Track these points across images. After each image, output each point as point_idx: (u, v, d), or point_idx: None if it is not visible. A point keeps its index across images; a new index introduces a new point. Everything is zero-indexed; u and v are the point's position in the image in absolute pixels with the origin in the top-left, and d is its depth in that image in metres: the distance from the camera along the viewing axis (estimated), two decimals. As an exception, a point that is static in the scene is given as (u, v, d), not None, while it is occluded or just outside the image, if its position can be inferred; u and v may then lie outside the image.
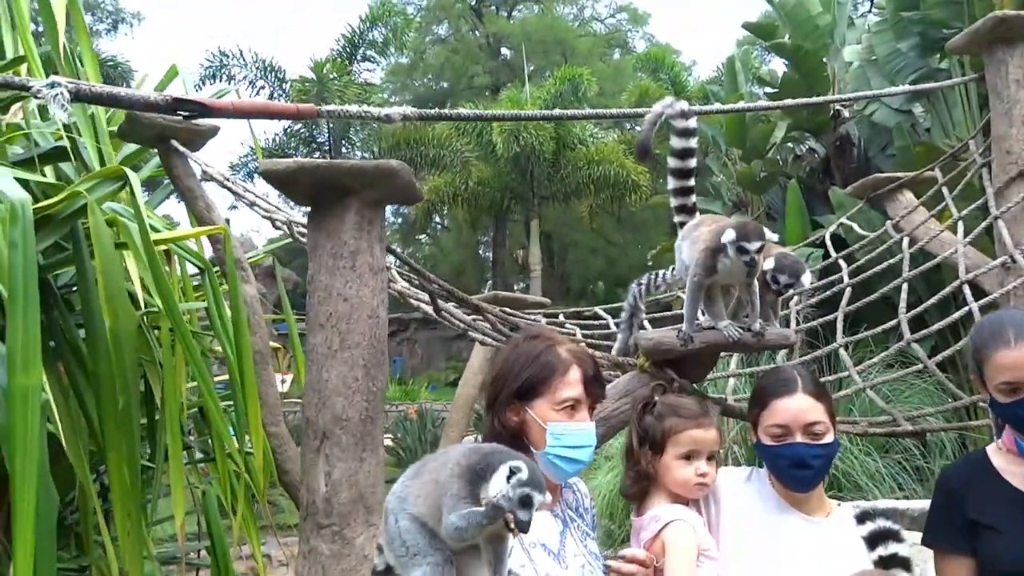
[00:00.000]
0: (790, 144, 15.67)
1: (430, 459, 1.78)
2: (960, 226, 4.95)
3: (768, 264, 2.89)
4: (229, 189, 4.30)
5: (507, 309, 5.83)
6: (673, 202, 3.48)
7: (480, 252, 40.53)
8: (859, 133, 13.91)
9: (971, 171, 5.48)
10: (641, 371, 3.26)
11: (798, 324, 5.35)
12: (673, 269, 3.53)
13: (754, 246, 2.77)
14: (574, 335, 5.96)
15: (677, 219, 3.49)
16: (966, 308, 4.16)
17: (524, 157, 20.52)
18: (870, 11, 21.95)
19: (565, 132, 20.13)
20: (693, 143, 3.36)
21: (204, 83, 16.49)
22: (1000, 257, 4.43)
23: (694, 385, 3.21)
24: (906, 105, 10.88)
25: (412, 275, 4.80)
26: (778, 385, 2.27)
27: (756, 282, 3.05)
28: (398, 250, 3.67)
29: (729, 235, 2.81)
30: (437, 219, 33.18)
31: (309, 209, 2.95)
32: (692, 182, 3.50)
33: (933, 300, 4.42)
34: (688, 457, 2.19)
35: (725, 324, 3.05)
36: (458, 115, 3.00)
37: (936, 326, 4.24)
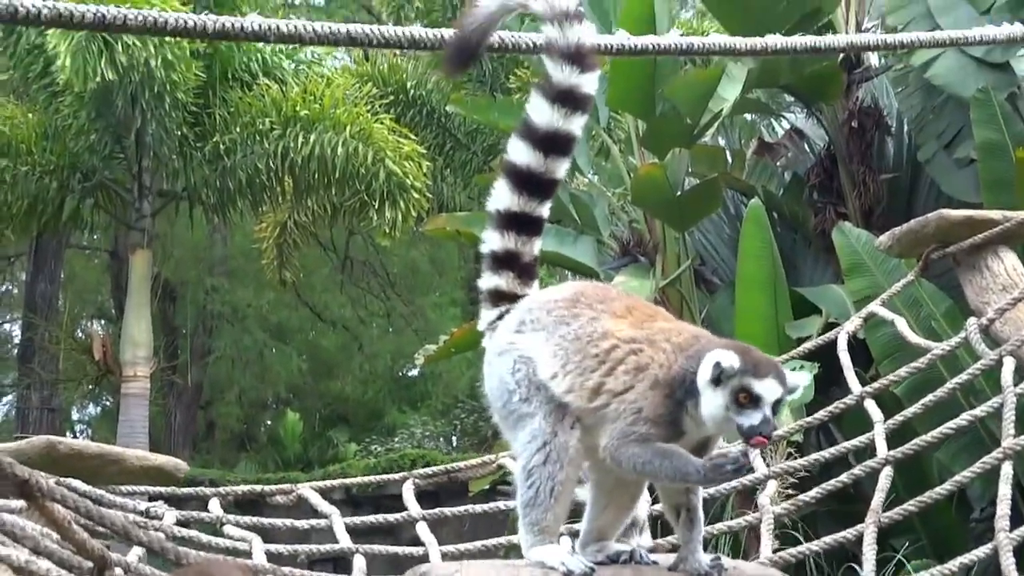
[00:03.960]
0: (750, 119, 16.74)
1: None
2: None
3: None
4: None
5: (73, 484, 5.73)
6: (493, 241, 3.84)
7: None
8: (899, 106, 15.04)
9: None
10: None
11: (775, 547, 5.64)
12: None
13: (773, 393, 3.19)
14: (247, 554, 6.02)
15: (490, 282, 3.87)
16: None
17: (125, 99, 20.25)
18: None
19: (228, 47, 20.29)
20: (577, 126, 3.65)
21: None
22: None
23: None
24: (1001, 54, 11.95)
25: None
26: None
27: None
28: None
29: (730, 358, 3.25)
30: None
31: None
32: (545, 208, 3.82)
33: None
34: None
35: (628, 550, 3.52)
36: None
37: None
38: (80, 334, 34.04)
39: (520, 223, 3.67)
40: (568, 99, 3.53)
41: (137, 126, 21.04)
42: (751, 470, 3.33)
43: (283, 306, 32.32)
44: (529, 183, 3.62)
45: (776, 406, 3.16)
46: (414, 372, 32.93)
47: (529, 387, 3.46)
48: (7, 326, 39.08)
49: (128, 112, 20.64)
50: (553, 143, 3.57)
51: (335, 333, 33.35)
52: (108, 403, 34.42)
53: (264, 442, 33.41)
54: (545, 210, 3.74)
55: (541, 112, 3.55)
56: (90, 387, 32.77)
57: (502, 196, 3.67)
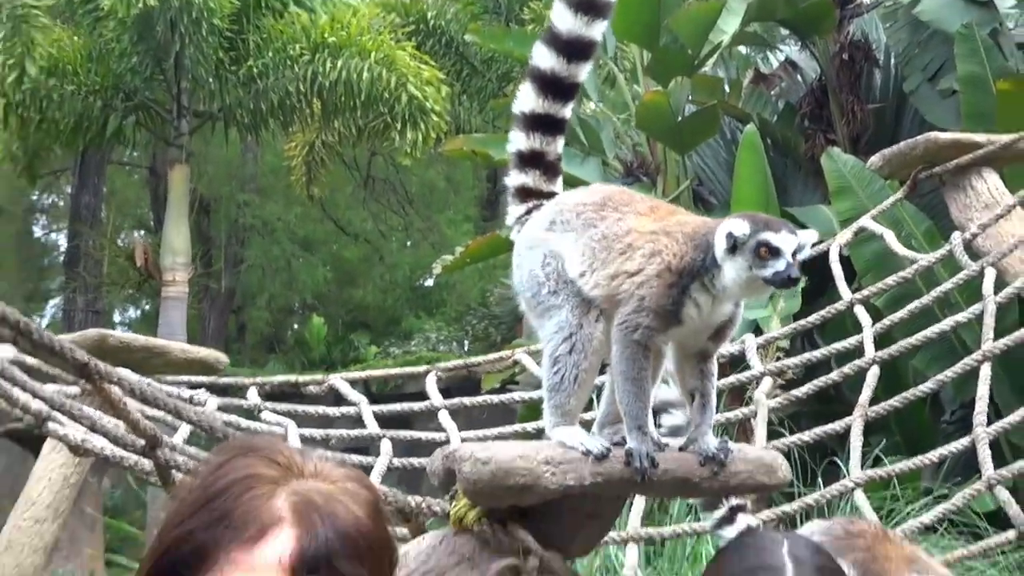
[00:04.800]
0: (747, 51, 16.66)
1: None
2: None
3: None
4: None
5: (122, 373, 5.77)
6: (519, 141, 3.82)
7: (36, 233, 39.03)
8: (887, 40, 15.03)
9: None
10: (458, 530, 3.51)
11: (769, 435, 5.69)
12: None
13: (790, 243, 3.18)
14: (282, 437, 6.07)
15: (516, 180, 3.86)
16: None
17: (165, 24, 20.18)
18: None
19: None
20: (597, 32, 3.63)
21: None
22: None
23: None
24: (984, -9, 11.95)
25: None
26: None
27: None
28: None
29: (739, 226, 3.25)
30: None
31: None
32: (568, 110, 3.83)
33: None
34: None
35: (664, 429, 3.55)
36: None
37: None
38: (121, 243, 34.06)
39: (544, 124, 3.69)
40: (590, 7, 3.55)
41: (176, 50, 21.02)
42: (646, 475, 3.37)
43: (309, 220, 32.37)
44: (552, 86, 3.65)
45: (794, 257, 3.18)
46: (429, 282, 32.91)
47: (558, 281, 3.49)
48: (54, 235, 39.03)
49: (168, 37, 20.66)
50: (575, 48, 3.60)
51: (357, 245, 33.41)
52: (148, 307, 34.45)
53: (291, 344, 33.48)
54: (567, 111, 3.74)
55: (564, 19, 3.58)
56: (132, 291, 32.88)
57: (527, 99, 3.68)
